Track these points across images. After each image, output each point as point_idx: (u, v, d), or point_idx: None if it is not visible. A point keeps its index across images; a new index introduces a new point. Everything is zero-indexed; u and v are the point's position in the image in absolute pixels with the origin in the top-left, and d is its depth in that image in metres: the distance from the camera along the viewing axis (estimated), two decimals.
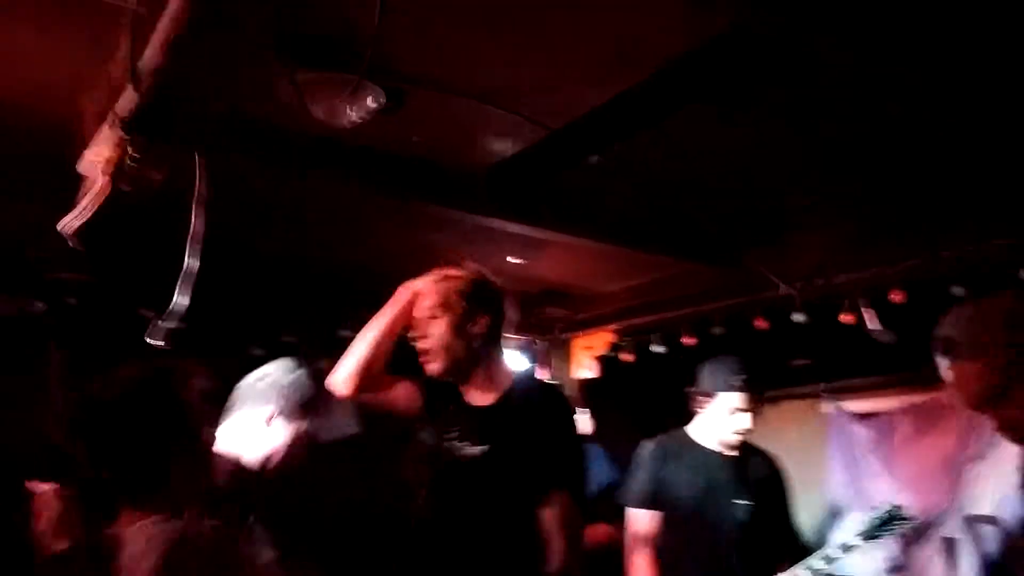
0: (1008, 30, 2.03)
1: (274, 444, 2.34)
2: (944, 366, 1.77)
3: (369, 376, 2.49)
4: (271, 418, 2.34)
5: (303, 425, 2.36)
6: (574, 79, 2.34)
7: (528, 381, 2.73)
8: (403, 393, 2.54)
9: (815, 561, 3.06)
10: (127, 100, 2.14)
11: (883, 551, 3.29)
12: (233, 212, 3.15)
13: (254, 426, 2.34)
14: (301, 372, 2.41)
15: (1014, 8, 1.92)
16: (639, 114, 2.45)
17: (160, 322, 2.49)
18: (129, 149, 2.30)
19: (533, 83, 2.38)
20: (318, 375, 2.47)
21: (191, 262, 2.41)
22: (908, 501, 4.60)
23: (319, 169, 2.78)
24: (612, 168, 2.80)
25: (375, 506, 3.81)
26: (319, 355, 4.31)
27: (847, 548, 3.11)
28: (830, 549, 3.14)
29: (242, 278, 3.84)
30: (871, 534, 3.14)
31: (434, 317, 2.44)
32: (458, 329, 2.41)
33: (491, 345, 2.48)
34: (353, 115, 2.37)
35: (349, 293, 4.18)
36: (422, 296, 2.50)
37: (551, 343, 4.72)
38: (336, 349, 4.23)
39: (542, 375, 4.60)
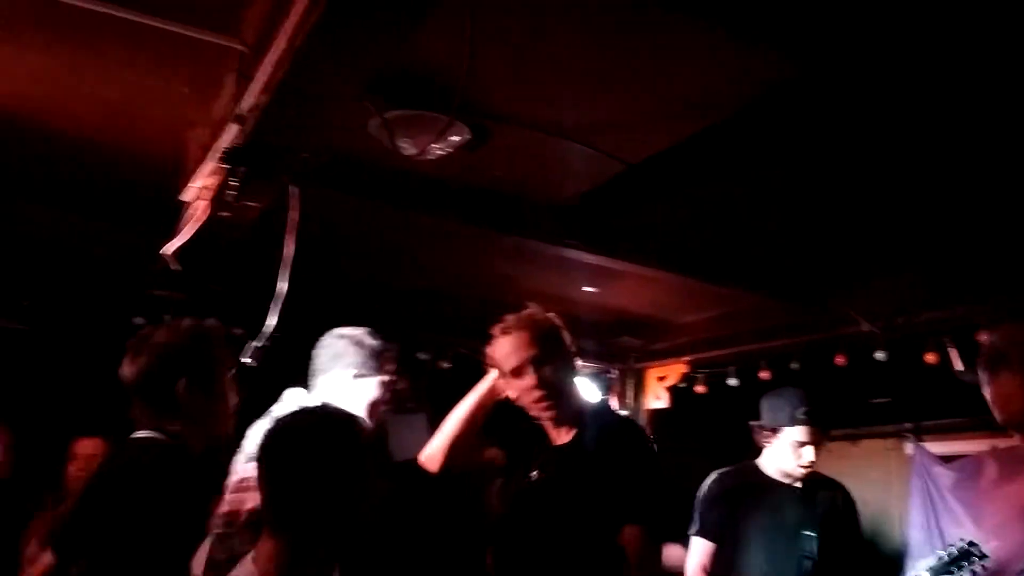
0: None
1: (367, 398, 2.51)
2: (985, 381, 1.72)
3: (457, 453, 2.60)
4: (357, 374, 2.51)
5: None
6: (648, 119, 2.39)
7: (605, 415, 2.75)
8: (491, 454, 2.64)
9: None
10: (229, 136, 2.29)
11: None
12: (323, 240, 3.33)
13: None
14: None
15: None
16: (716, 157, 2.49)
17: (252, 343, 2.63)
18: (229, 180, 2.45)
19: (611, 121, 2.44)
20: None
21: (281, 285, 2.54)
22: (989, 548, 4.44)
23: (404, 200, 2.90)
24: (697, 203, 2.82)
25: (454, 537, 3.90)
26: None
27: None
28: None
29: (329, 302, 4.00)
30: (942, 570, 3.03)
31: (519, 378, 2.44)
32: (541, 381, 2.42)
33: (566, 382, 2.52)
34: (438, 150, 2.47)
35: (431, 318, 4.31)
36: (500, 368, 2.52)
37: (625, 372, 4.73)
38: (415, 370, 4.42)
39: (615, 405, 4.61)
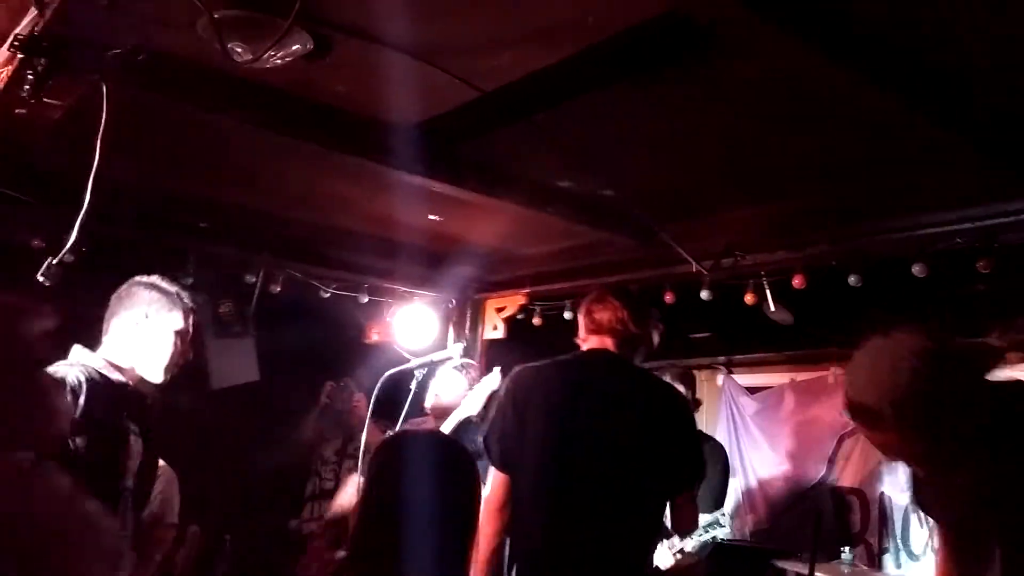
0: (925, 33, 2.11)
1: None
2: (865, 429, 1.70)
3: None
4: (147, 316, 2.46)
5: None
6: (508, 44, 2.30)
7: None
8: None
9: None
10: (28, 22, 1.98)
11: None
12: (142, 151, 3.01)
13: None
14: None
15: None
16: (570, 85, 2.45)
17: (53, 261, 2.35)
18: (25, 73, 2.13)
19: (466, 44, 2.33)
20: None
21: (88, 197, 2.27)
22: (785, 471, 4.91)
23: (234, 110, 2.65)
24: (538, 136, 2.78)
25: None
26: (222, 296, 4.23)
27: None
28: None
29: (149, 219, 3.67)
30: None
31: None
32: None
33: None
34: (275, 58, 2.26)
35: (261, 238, 4.07)
36: None
37: (463, 302, 4.72)
38: (242, 293, 4.18)
39: (451, 335, 4.61)
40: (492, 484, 2.59)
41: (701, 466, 2.70)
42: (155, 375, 2.52)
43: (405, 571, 1.56)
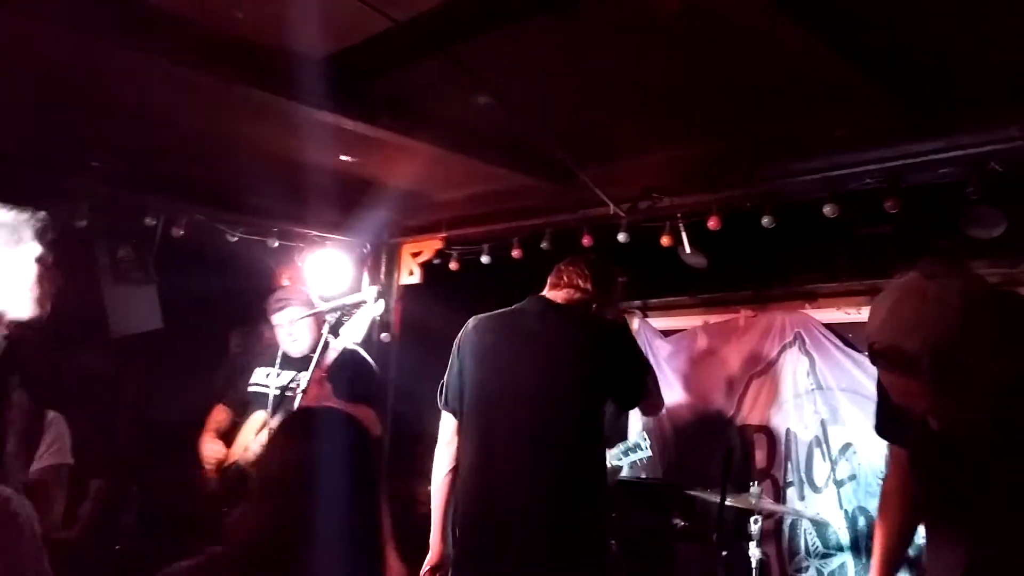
0: None
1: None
2: (881, 367, 1.59)
3: None
4: None
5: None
6: None
7: None
8: None
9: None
10: None
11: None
12: (21, 82, 2.77)
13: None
14: None
15: None
16: (485, 16, 2.35)
17: None
18: None
19: None
20: None
21: None
22: (696, 410, 5.06)
23: (122, 37, 2.45)
24: (454, 75, 2.68)
25: None
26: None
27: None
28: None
29: (29, 155, 3.40)
30: (621, 454, 3.97)
31: None
32: None
33: None
34: None
35: (161, 179, 3.85)
36: None
37: (379, 246, 4.61)
38: (142, 237, 3.96)
39: (367, 279, 4.51)
40: (441, 424, 2.74)
41: (638, 389, 2.73)
42: (29, 310, 2.33)
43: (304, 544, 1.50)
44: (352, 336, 3.28)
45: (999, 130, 2.75)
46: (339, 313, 2.94)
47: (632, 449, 3.93)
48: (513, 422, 2.53)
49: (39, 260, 2.34)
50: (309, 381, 3.01)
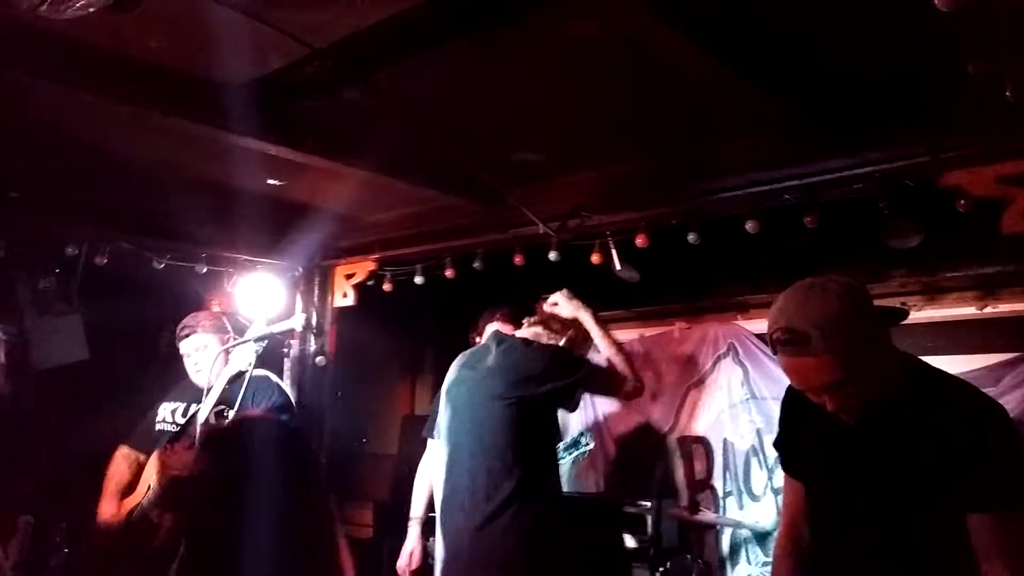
0: None
1: None
2: (781, 353, 1.78)
3: None
4: None
5: None
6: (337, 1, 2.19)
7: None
8: None
9: None
10: None
11: None
12: None
13: None
14: None
15: None
16: (405, 42, 2.36)
17: None
18: None
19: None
20: None
21: None
22: (635, 423, 5.10)
23: (32, 67, 2.39)
24: (381, 98, 2.68)
25: None
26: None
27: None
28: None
29: None
30: (563, 449, 4.24)
31: None
32: None
33: None
34: (76, 8, 2.04)
35: (85, 207, 3.76)
36: None
37: (311, 269, 4.56)
38: (64, 267, 3.84)
39: (299, 304, 4.45)
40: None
41: (568, 389, 3.04)
42: None
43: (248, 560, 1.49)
44: (239, 364, 3.08)
45: (909, 147, 2.87)
46: (266, 342, 2.88)
47: (572, 446, 3.94)
48: (469, 446, 2.96)
49: None
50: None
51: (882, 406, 1.83)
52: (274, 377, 3.44)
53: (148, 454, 3.34)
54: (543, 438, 3.07)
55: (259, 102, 2.72)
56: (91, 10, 2.04)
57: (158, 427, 3.41)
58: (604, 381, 3.15)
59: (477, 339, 3.81)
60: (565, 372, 3.03)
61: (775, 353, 1.82)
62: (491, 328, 3.67)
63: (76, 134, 3.11)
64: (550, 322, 3.19)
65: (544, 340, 3.15)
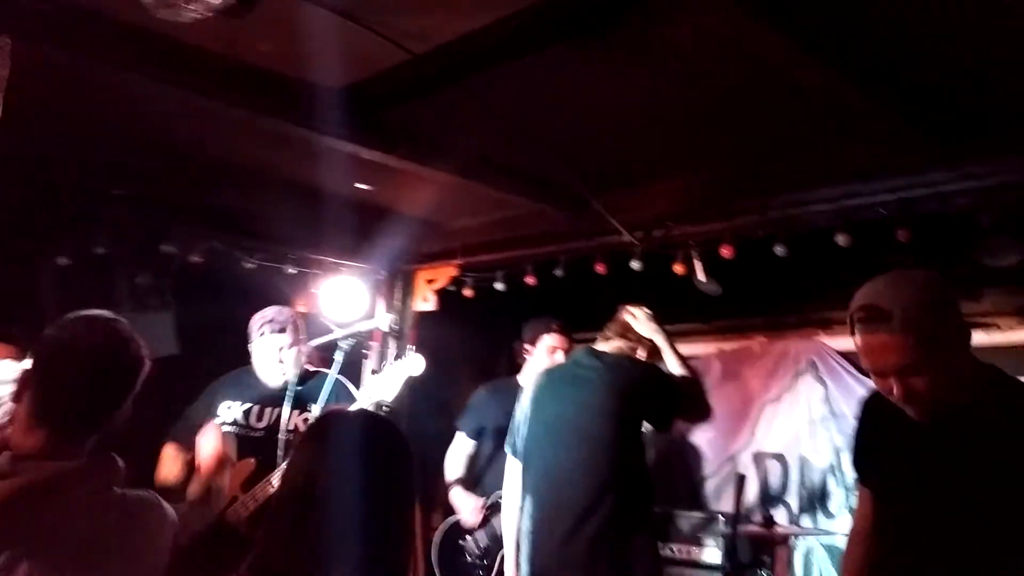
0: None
1: None
2: (861, 331, 1.77)
3: None
4: None
5: None
6: (440, 3, 2.23)
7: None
8: None
9: None
10: None
11: None
12: (48, 111, 2.83)
13: None
14: None
15: None
16: (504, 48, 2.39)
17: None
18: None
19: (396, 2, 2.24)
20: None
21: None
22: (710, 437, 5.03)
23: (149, 69, 2.50)
24: (471, 104, 2.72)
25: None
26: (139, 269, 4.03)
27: None
28: None
29: (58, 183, 3.46)
30: None
31: None
32: None
33: None
34: (193, 12, 2.13)
35: (180, 206, 3.90)
36: None
37: (394, 274, 4.63)
38: (159, 264, 4.00)
39: (382, 306, 4.52)
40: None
41: (669, 408, 3.13)
42: None
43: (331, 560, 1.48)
44: (382, 394, 2.92)
45: (1013, 160, 2.77)
46: (353, 340, 2.93)
47: None
48: (566, 468, 2.92)
49: None
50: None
51: (955, 408, 1.77)
52: (346, 380, 3.26)
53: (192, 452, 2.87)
54: (641, 453, 3.07)
55: (355, 106, 2.79)
56: (207, 14, 2.13)
57: (225, 428, 3.03)
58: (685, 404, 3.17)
59: (527, 350, 3.82)
60: (669, 390, 3.08)
61: (852, 334, 1.80)
62: (545, 341, 3.68)
63: (177, 136, 3.24)
64: (628, 335, 3.17)
65: (637, 355, 3.13)
